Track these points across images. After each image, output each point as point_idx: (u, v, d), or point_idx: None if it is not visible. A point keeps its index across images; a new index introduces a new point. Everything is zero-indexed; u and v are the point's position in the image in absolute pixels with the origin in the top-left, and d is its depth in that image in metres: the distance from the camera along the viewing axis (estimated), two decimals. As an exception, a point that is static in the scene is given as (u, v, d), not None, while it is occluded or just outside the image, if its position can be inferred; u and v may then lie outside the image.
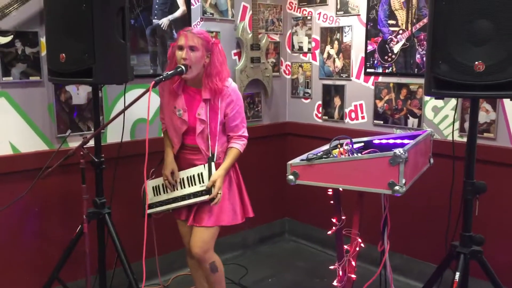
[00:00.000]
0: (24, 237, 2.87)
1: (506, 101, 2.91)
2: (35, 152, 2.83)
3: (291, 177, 2.27)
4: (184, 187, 2.59)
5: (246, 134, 2.64)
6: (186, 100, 2.54)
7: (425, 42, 2.18)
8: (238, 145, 2.59)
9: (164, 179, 2.62)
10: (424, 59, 2.98)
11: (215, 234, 2.59)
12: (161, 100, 2.67)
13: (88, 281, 2.46)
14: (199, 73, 2.48)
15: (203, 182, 2.52)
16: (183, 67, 2.40)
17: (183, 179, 2.59)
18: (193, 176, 2.56)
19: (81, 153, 2.35)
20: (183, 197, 2.58)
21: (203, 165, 2.54)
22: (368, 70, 3.58)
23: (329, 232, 2.51)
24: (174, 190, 2.61)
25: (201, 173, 2.53)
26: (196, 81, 2.52)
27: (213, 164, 2.52)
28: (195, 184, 2.55)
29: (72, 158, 2.32)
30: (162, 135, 2.74)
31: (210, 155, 2.53)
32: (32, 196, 2.80)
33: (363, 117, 3.66)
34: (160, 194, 2.66)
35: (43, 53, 2.77)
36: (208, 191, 2.49)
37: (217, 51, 2.49)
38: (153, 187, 2.68)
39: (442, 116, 3.22)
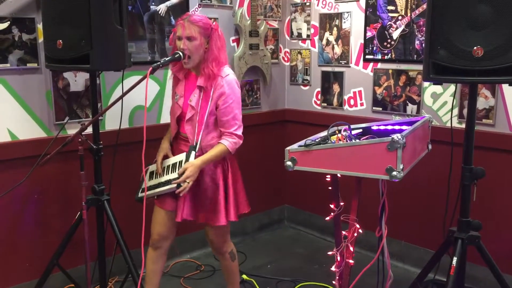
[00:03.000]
0: (23, 224, 2.88)
1: (505, 87, 2.90)
2: (33, 139, 2.83)
3: (289, 163, 2.27)
4: (167, 174, 2.51)
5: (238, 132, 2.46)
6: (186, 85, 2.52)
7: (424, 28, 2.17)
8: (227, 142, 2.43)
9: (155, 162, 2.60)
10: (423, 45, 2.97)
11: (229, 225, 2.60)
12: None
13: (87, 267, 2.48)
14: (200, 60, 2.45)
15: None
16: (180, 53, 2.39)
17: (168, 166, 2.53)
18: (175, 164, 2.49)
19: (79, 140, 2.35)
20: (158, 185, 2.51)
21: (185, 153, 2.46)
22: (367, 56, 3.56)
23: (327, 218, 2.52)
24: (161, 176, 2.55)
25: (181, 161, 2.46)
26: (198, 67, 2.50)
27: (193, 153, 2.41)
28: (174, 172, 2.46)
29: (71, 145, 2.31)
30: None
31: (194, 144, 2.45)
32: (31, 183, 2.80)
33: (362, 104, 3.66)
34: (152, 179, 2.61)
35: (40, 39, 2.76)
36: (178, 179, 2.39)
37: (216, 37, 2.45)
38: (150, 172, 2.66)
39: (441, 102, 3.21)
